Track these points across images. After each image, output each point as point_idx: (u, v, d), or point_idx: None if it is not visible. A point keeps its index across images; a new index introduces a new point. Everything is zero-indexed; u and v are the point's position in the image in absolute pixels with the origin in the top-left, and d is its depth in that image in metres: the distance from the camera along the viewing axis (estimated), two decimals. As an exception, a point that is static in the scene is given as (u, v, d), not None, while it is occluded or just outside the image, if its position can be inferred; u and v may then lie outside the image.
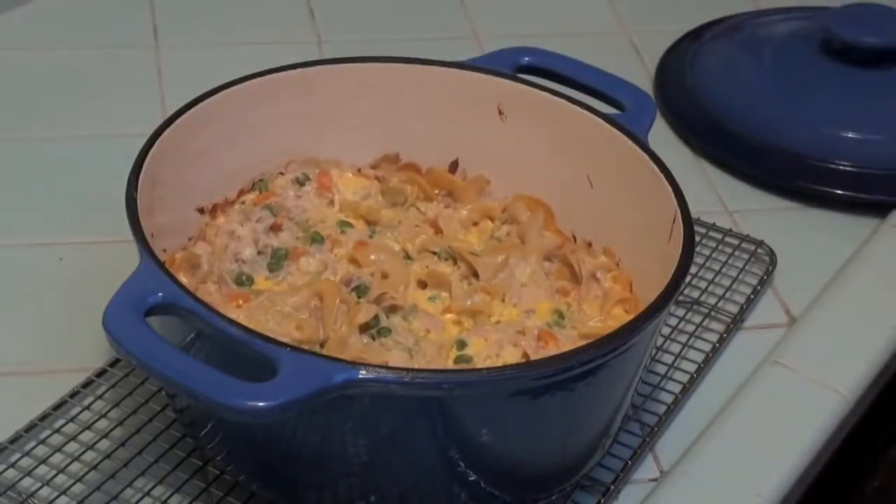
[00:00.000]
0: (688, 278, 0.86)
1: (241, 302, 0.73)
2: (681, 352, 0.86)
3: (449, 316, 0.77)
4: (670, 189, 0.76)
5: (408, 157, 0.87)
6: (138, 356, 0.62)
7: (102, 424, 0.77)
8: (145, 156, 0.74)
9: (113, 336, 0.63)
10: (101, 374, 0.80)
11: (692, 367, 0.85)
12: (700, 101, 1.09)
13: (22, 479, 0.73)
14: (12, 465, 0.74)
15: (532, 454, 0.71)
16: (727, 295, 0.91)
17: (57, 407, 0.78)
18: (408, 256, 0.80)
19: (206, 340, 0.66)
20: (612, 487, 0.76)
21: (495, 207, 0.85)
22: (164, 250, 0.75)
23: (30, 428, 0.76)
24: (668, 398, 0.83)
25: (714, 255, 0.94)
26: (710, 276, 0.92)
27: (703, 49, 1.15)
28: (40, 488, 0.73)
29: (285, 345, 0.64)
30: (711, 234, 0.96)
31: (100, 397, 0.79)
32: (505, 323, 0.76)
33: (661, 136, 1.05)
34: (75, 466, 0.75)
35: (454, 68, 0.85)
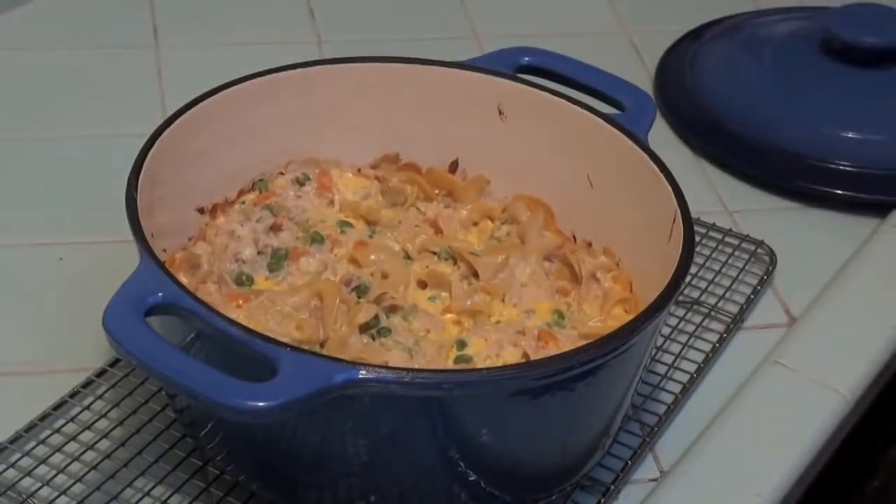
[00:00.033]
0: (688, 278, 0.86)
1: (241, 302, 0.73)
2: (681, 352, 0.86)
3: (449, 316, 0.77)
4: (670, 189, 0.76)
5: (408, 157, 0.87)
6: (138, 356, 0.62)
7: (102, 424, 0.77)
8: (145, 156, 0.74)
9: (113, 336, 0.63)
10: (101, 374, 0.80)
11: (692, 367, 0.85)
12: (700, 101, 1.09)
13: (22, 479, 0.73)
14: (12, 465, 0.74)
15: (532, 454, 0.71)
16: (727, 295, 0.91)
17: (57, 407, 0.78)
18: (408, 256, 0.80)
19: (206, 340, 0.66)
20: (612, 487, 0.76)
21: (495, 207, 0.85)
22: (164, 250, 0.75)
23: (30, 428, 0.76)
24: (668, 398, 0.83)
25: (714, 255, 0.94)
26: (710, 276, 0.92)
27: (703, 49, 1.15)
28: (40, 488, 0.73)
29: (285, 345, 0.64)
30: (711, 234, 0.96)
31: (100, 397, 0.79)
32: (505, 323, 0.76)
33: (661, 136, 1.05)
34: (75, 466, 0.75)
35: (454, 68, 0.85)
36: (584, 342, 0.71)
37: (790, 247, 0.95)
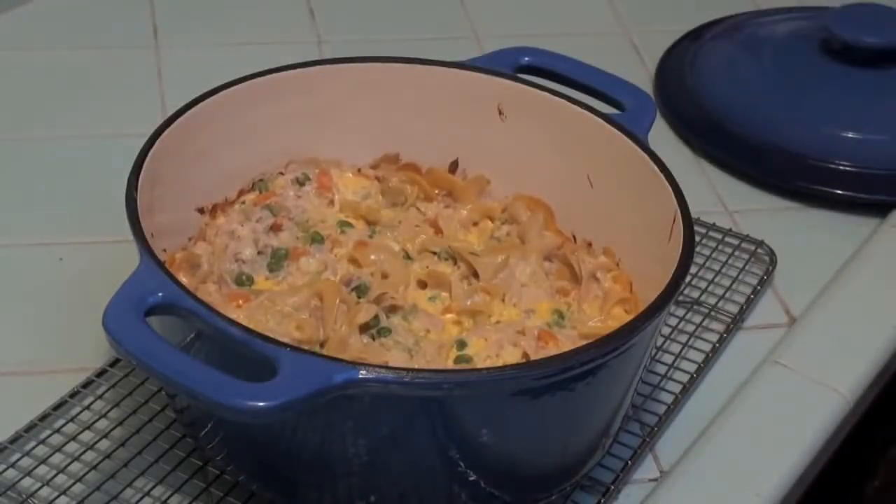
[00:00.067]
0: (688, 278, 0.86)
1: (241, 302, 0.73)
2: (681, 352, 0.86)
3: (449, 316, 0.77)
4: (670, 189, 0.76)
5: (408, 157, 0.87)
6: (138, 356, 0.62)
7: (102, 424, 0.77)
8: (145, 156, 0.74)
9: (113, 336, 0.63)
10: (101, 374, 0.80)
11: (692, 367, 0.85)
12: (700, 101, 1.09)
13: (22, 479, 0.73)
14: (12, 465, 0.74)
15: (532, 454, 0.71)
16: (727, 295, 0.91)
17: (57, 407, 0.78)
18: (408, 256, 0.80)
19: (206, 340, 0.66)
20: (612, 487, 0.76)
21: (495, 207, 0.85)
22: (164, 250, 0.75)
23: (30, 428, 0.76)
24: (668, 398, 0.83)
25: (714, 255, 0.94)
26: (710, 276, 0.92)
27: (703, 49, 1.15)
28: (40, 488, 0.73)
29: (285, 345, 0.64)
30: (711, 234, 0.96)
31: (100, 397, 0.79)
32: (505, 323, 0.76)
33: (661, 136, 1.05)
34: (75, 466, 0.75)
35: (454, 68, 0.85)
36: (584, 342, 0.71)
37: (790, 247, 0.95)
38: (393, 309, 0.75)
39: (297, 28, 1.17)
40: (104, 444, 0.76)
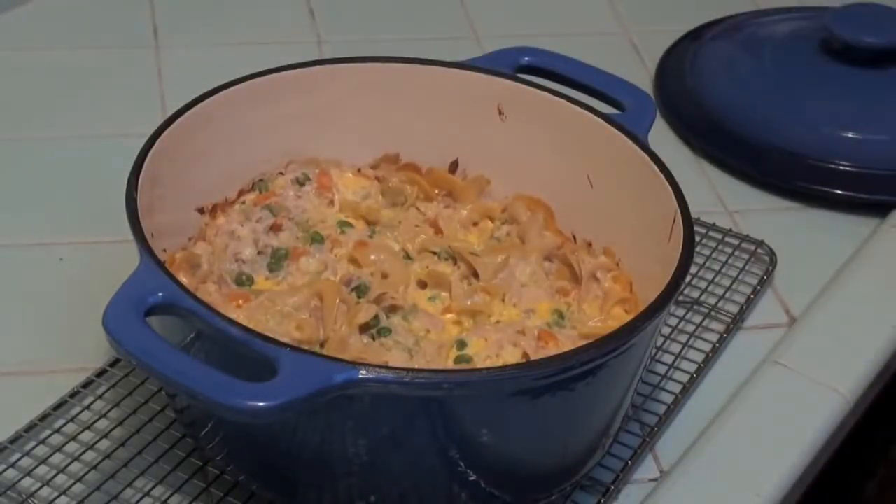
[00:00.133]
0: (688, 278, 0.86)
1: (241, 302, 0.73)
2: (681, 352, 0.86)
3: (449, 316, 0.77)
4: (670, 189, 0.76)
5: (408, 157, 0.87)
6: (138, 356, 0.62)
7: (102, 424, 0.77)
8: (145, 156, 0.74)
9: (113, 336, 0.63)
10: (101, 374, 0.80)
11: (692, 367, 0.85)
12: (700, 101, 1.09)
13: (22, 479, 0.73)
14: (12, 465, 0.74)
15: (532, 454, 0.71)
16: (727, 295, 0.91)
17: (57, 407, 0.78)
18: (408, 256, 0.80)
19: (206, 340, 0.66)
20: (612, 487, 0.76)
21: (495, 207, 0.85)
22: (164, 250, 0.75)
23: (30, 428, 0.76)
24: (668, 398, 0.83)
25: (714, 255, 0.94)
26: (710, 276, 0.92)
27: (703, 49, 1.15)
28: (40, 488, 0.73)
29: (285, 345, 0.64)
30: (711, 234, 0.96)
31: (100, 397, 0.79)
32: (505, 323, 0.76)
33: (661, 136, 1.05)
34: (75, 466, 0.75)
35: (454, 68, 0.85)
36: (584, 342, 0.71)
37: (790, 247, 0.95)
38: (393, 309, 0.75)
39: (297, 28, 1.17)
40: (104, 444, 0.76)
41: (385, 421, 0.65)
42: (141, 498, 0.73)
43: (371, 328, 0.73)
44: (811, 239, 0.99)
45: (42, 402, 0.78)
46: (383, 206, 0.85)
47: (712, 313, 0.89)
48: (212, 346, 0.66)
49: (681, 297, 0.89)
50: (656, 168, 0.77)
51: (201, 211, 0.81)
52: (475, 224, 0.84)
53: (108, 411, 0.78)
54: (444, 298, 0.78)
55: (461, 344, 0.73)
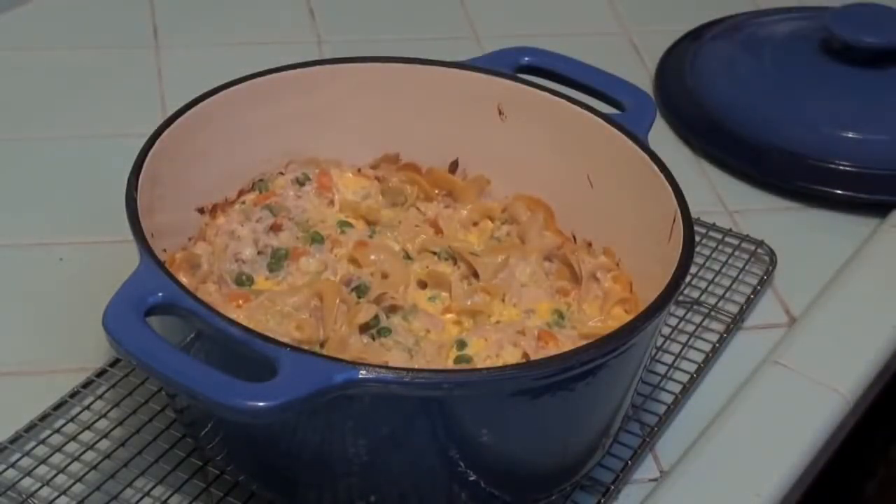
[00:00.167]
0: (688, 278, 0.86)
1: (241, 302, 0.73)
2: (681, 352, 0.86)
3: (449, 316, 0.77)
4: (670, 189, 0.76)
5: (408, 157, 0.87)
6: (138, 356, 0.62)
7: (102, 424, 0.77)
8: (145, 156, 0.74)
9: (113, 336, 0.63)
10: (101, 374, 0.80)
11: (692, 367, 0.85)
12: (700, 101, 1.09)
13: (22, 479, 0.73)
14: (12, 465, 0.74)
15: (532, 454, 0.71)
16: (727, 295, 0.91)
17: (57, 407, 0.78)
18: (408, 256, 0.80)
19: (206, 340, 0.66)
20: (612, 487, 0.76)
21: (495, 207, 0.85)
22: (164, 250, 0.75)
23: (30, 428, 0.76)
24: (668, 398, 0.83)
25: (714, 255, 0.94)
26: (710, 276, 0.92)
27: (703, 49, 1.15)
28: (40, 488, 0.73)
29: (285, 345, 0.64)
30: (711, 234, 0.96)
31: (100, 397, 0.79)
32: (505, 323, 0.76)
33: (661, 136, 1.05)
34: (75, 466, 0.75)
35: (454, 68, 0.85)
36: (584, 342, 0.71)
37: (790, 247, 0.95)
38: (393, 309, 0.75)
39: (297, 28, 1.17)
40: (104, 444, 0.76)
41: (385, 421, 0.65)
42: (141, 498, 0.73)
43: (371, 328, 0.73)
44: (811, 239, 0.99)
45: (42, 402, 0.78)
46: (383, 206, 0.85)
47: (712, 313, 0.89)
48: (212, 346, 0.66)
49: (681, 297, 0.89)
50: (656, 168, 0.77)
51: (201, 211, 0.81)
52: (475, 224, 0.84)
53: (108, 411, 0.78)
54: (444, 298, 0.78)
55: (461, 344, 0.73)
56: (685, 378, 0.84)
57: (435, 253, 0.80)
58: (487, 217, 0.85)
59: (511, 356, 0.72)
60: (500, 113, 0.85)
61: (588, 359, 0.66)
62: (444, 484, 0.69)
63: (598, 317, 0.77)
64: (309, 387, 0.61)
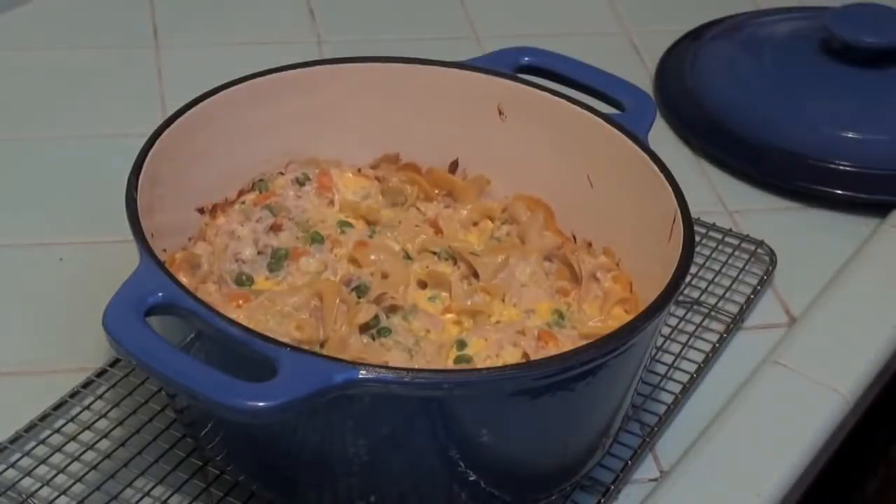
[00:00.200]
0: (688, 278, 0.86)
1: (241, 302, 0.73)
2: (681, 352, 0.86)
3: (449, 316, 0.77)
4: (670, 189, 0.76)
5: (408, 157, 0.87)
6: (138, 356, 0.62)
7: (102, 424, 0.77)
8: (145, 156, 0.74)
9: (113, 336, 0.63)
10: (101, 374, 0.80)
11: (692, 367, 0.85)
12: (700, 101, 1.09)
13: (22, 479, 0.73)
14: (12, 465, 0.74)
15: (532, 454, 0.71)
16: (727, 295, 0.91)
17: (57, 407, 0.78)
18: (408, 256, 0.80)
19: (206, 340, 0.66)
20: (612, 487, 0.76)
21: (495, 207, 0.85)
22: (164, 250, 0.75)
23: (30, 428, 0.76)
24: (668, 398, 0.83)
25: (714, 255, 0.94)
26: (710, 276, 0.92)
27: (703, 49, 1.15)
28: (40, 488, 0.73)
29: (285, 345, 0.64)
30: (711, 234, 0.96)
31: (100, 397, 0.79)
32: (505, 323, 0.76)
33: (661, 136, 1.05)
34: (75, 466, 0.75)
35: (454, 68, 0.85)
36: (584, 342, 0.71)
37: (790, 247, 0.95)
38: (393, 309, 0.75)
39: (297, 28, 1.17)
40: (104, 444, 0.76)
41: (385, 421, 0.65)
42: (141, 498, 0.73)
43: (371, 328, 0.73)
44: (811, 239, 0.99)
45: (42, 402, 0.78)
46: (383, 206, 0.85)
47: (712, 313, 0.89)
48: (212, 346, 0.66)
49: (681, 297, 0.89)
50: (656, 168, 0.77)
51: (201, 211, 0.81)
52: (475, 224, 0.84)
53: (108, 411, 0.78)
54: (444, 298, 0.78)
55: (461, 344, 0.73)
56: (685, 378, 0.84)
57: (435, 253, 0.80)
58: (487, 217, 0.85)
59: (511, 356, 0.72)
60: (500, 113, 0.85)
61: (588, 359, 0.66)
62: (444, 484, 0.69)
63: (598, 317, 0.77)
64: (309, 387, 0.61)
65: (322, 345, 0.72)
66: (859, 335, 0.88)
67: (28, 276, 0.89)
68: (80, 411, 0.78)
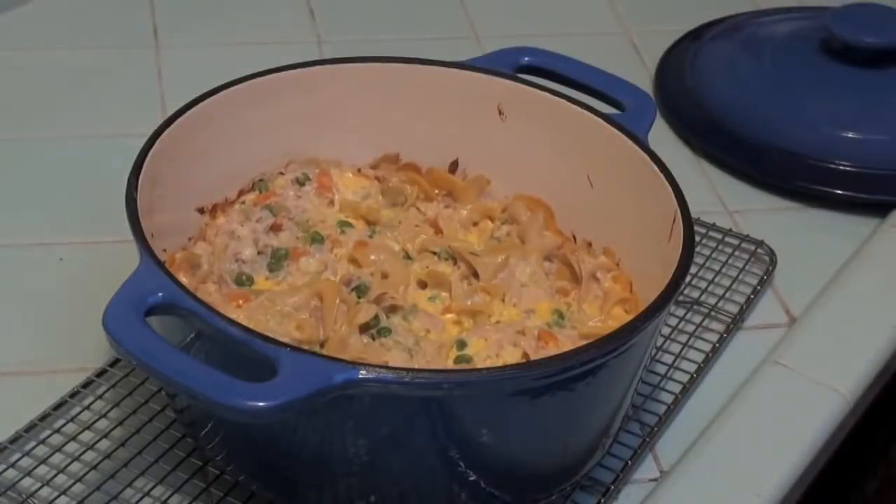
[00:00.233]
0: (688, 278, 0.86)
1: (241, 302, 0.73)
2: (681, 352, 0.86)
3: (449, 316, 0.77)
4: (670, 189, 0.76)
5: (408, 157, 0.87)
6: (138, 356, 0.62)
7: (102, 424, 0.77)
8: (145, 156, 0.74)
9: (113, 336, 0.63)
10: (101, 374, 0.80)
11: (692, 367, 0.85)
12: (700, 101, 1.09)
13: (22, 479, 0.73)
14: (12, 465, 0.74)
15: (532, 454, 0.71)
16: (727, 295, 0.91)
17: (57, 407, 0.78)
18: (408, 256, 0.80)
19: (206, 340, 0.66)
20: (612, 487, 0.76)
21: (495, 207, 0.85)
22: (164, 250, 0.75)
23: (30, 428, 0.76)
24: (668, 398, 0.82)
25: (714, 255, 0.94)
26: (710, 276, 0.92)
27: (703, 49, 1.15)
28: (40, 488, 0.73)
29: (285, 345, 0.64)
30: (711, 234, 0.96)
31: (100, 397, 0.79)
32: (505, 323, 0.76)
33: (661, 136, 1.05)
34: (75, 466, 0.75)
35: (454, 68, 0.85)
36: (584, 342, 0.71)
37: (790, 247, 0.95)
38: (393, 309, 0.75)
39: (297, 28, 1.17)
40: (104, 444, 0.76)
41: (385, 421, 0.65)
42: (141, 498, 0.73)
43: (371, 328, 0.73)
44: (811, 239, 0.99)
45: (42, 402, 0.78)
46: (383, 206, 0.85)
47: (712, 313, 0.89)
48: (212, 346, 0.66)
49: (681, 297, 0.89)
50: (656, 168, 0.77)
51: (201, 211, 0.81)
52: (475, 224, 0.84)
53: (108, 411, 0.78)
54: (444, 298, 0.78)
55: (461, 344, 0.73)
56: (685, 378, 0.84)
57: (435, 253, 0.80)
58: (487, 217, 0.85)
59: (511, 356, 0.72)
60: (500, 113, 0.85)
61: (588, 359, 0.66)
62: (444, 484, 0.69)
63: (598, 317, 0.77)
64: (309, 387, 0.61)
65: (322, 345, 0.72)
66: (859, 335, 0.88)
67: (28, 276, 0.89)
68: (80, 411, 0.78)
